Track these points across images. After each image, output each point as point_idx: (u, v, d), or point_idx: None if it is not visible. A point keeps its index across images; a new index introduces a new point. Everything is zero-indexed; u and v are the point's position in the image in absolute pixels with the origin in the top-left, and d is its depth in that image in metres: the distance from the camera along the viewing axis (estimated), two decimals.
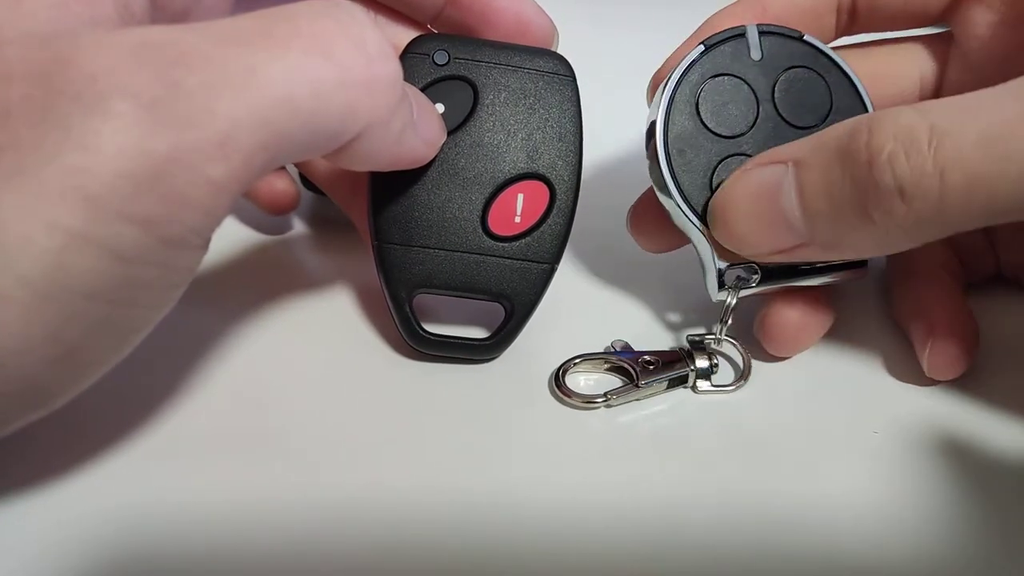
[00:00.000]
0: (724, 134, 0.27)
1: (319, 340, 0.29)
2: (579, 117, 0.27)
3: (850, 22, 0.30)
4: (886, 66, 0.30)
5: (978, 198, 0.20)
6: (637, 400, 0.27)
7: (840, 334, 0.29)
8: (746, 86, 0.28)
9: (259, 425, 0.25)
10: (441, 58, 0.27)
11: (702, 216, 0.27)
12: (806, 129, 0.27)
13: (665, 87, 0.27)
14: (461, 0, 0.27)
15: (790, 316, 0.27)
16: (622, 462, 0.25)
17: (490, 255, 0.27)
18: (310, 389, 0.27)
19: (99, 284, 0.17)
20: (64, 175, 0.16)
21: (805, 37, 0.28)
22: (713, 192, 0.27)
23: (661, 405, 0.27)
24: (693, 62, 0.28)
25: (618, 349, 0.28)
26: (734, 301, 0.27)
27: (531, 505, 0.23)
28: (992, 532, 0.22)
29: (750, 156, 0.27)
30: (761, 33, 0.28)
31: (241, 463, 0.24)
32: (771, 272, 0.27)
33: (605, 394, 0.26)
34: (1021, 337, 0.29)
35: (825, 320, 0.28)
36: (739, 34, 0.28)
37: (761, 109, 0.28)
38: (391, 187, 0.27)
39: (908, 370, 0.28)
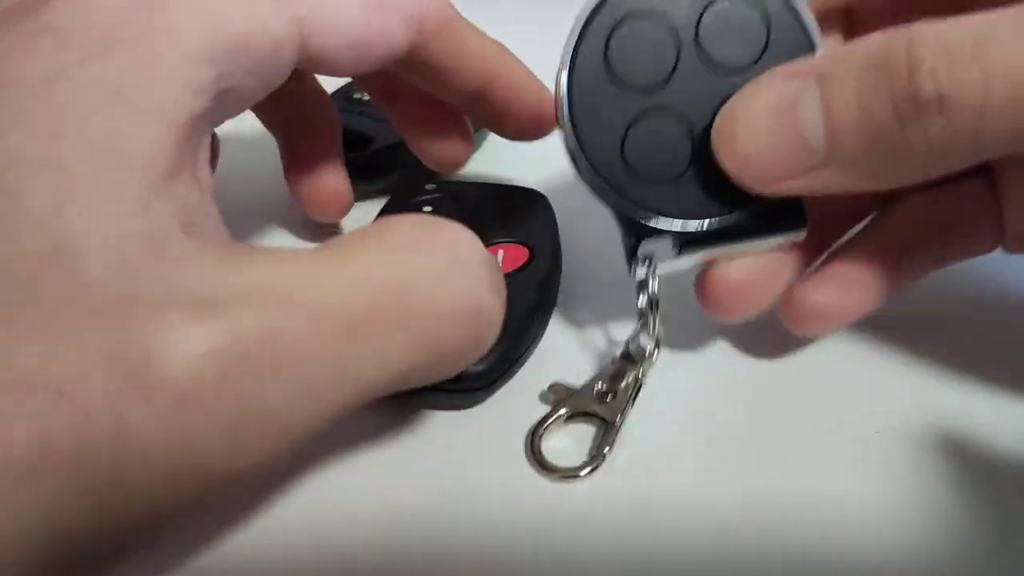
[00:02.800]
0: (638, 86, 0.23)
1: None
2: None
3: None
4: None
5: (1020, 113, 0.19)
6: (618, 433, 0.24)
7: (840, 333, 0.27)
8: (666, 26, 0.23)
9: None
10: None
11: (615, 186, 0.23)
12: (734, 71, 0.23)
13: (570, 35, 0.23)
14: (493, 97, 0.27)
15: (730, 275, 0.24)
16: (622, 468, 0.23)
17: None
18: None
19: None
20: None
21: None
22: (625, 157, 0.23)
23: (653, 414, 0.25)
24: (602, 2, 0.23)
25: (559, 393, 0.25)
26: (654, 286, 0.24)
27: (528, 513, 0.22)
28: (994, 533, 0.22)
29: (669, 111, 0.23)
30: None
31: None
32: (694, 240, 0.23)
33: (591, 458, 0.23)
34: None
35: (774, 286, 0.25)
36: None
37: (682, 53, 0.23)
38: None
39: (910, 370, 0.26)
